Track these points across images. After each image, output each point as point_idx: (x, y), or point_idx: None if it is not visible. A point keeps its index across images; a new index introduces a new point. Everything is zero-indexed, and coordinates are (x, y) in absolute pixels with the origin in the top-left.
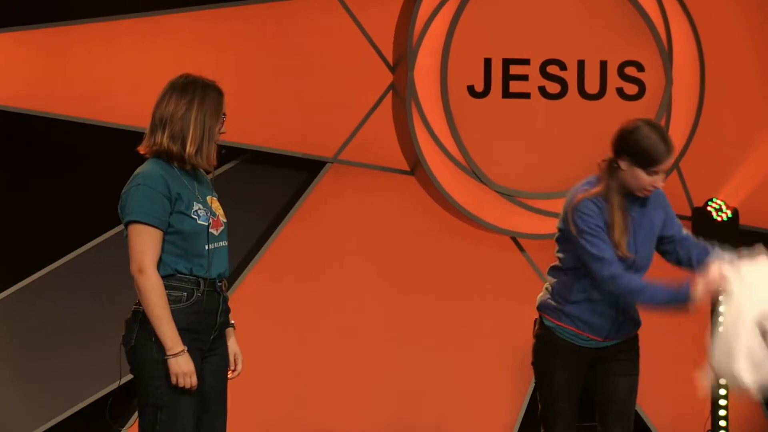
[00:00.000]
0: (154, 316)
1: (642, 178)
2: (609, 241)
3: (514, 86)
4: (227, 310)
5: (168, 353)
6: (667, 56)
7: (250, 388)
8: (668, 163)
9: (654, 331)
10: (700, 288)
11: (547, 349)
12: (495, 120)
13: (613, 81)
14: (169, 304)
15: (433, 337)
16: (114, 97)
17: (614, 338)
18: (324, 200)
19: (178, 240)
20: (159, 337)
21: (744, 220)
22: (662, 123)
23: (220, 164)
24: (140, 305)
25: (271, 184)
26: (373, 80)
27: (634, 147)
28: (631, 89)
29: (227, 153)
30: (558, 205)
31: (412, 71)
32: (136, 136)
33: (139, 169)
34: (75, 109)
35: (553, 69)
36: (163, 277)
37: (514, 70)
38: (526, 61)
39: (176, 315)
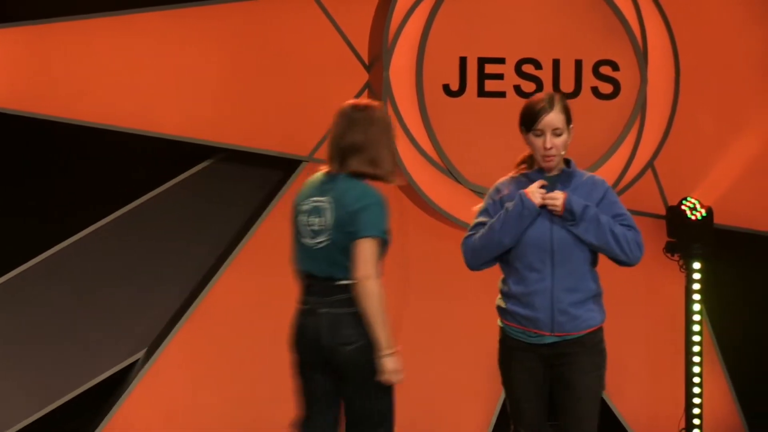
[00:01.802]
0: (379, 317)
1: (534, 142)
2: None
3: (490, 85)
4: None
5: (387, 352)
6: (642, 55)
7: (226, 387)
8: (548, 118)
9: (628, 331)
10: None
11: (504, 350)
12: (470, 119)
13: (588, 80)
14: None
15: (409, 336)
16: (90, 96)
17: (562, 332)
18: None
19: None
20: (378, 336)
21: (718, 219)
22: (637, 122)
23: (195, 163)
24: (352, 307)
25: (246, 183)
26: (348, 79)
27: (521, 116)
28: (606, 88)
29: (202, 151)
30: None
31: (388, 70)
32: (113, 135)
33: (367, 188)
34: (51, 107)
35: (528, 68)
36: None
37: (490, 69)
38: (501, 60)
39: None
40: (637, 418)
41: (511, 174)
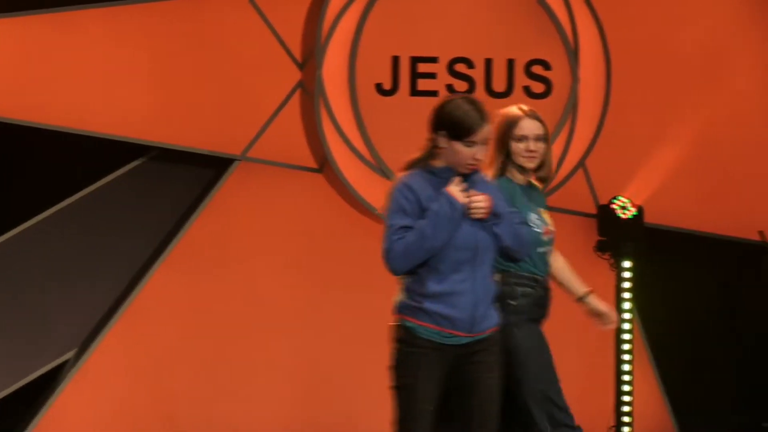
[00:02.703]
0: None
1: (461, 151)
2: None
3: (422, 84)
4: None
5: None
6: (573, 55)
7: (159, 385)
8: (484, 132)
9: (559, 329)
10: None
11: (408, 350)
12: (403, 118)
13: (520, 79)
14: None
15: (343, 333)
16: (22, 95)
17: (477, 332)
18: (231, 198)
19: None
20: None
21: (649, 218)
22: (568, 121)
23: (126, 162)
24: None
25: (179, 182)
26: (281, 77)
27: (448, 120)
28: (538, 87)
29: (134, 150)
30: None
31: (321, 69)
32: (46, 134)
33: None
34: None
35: (460, 67)
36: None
37: (422, 68)
38: (434, 59)
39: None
40: None
41: (409, 171)
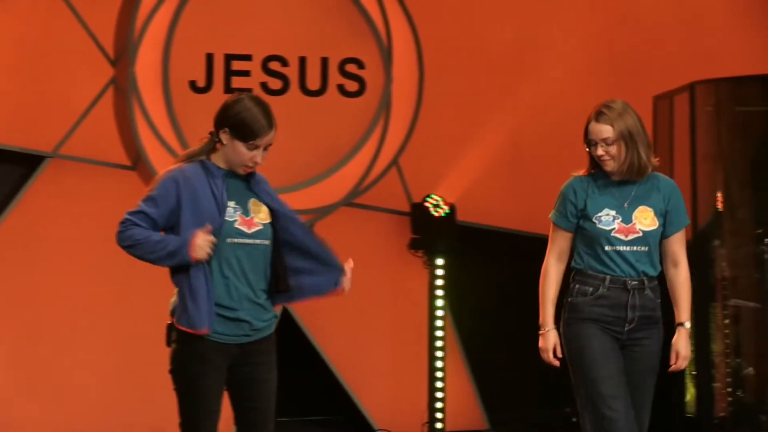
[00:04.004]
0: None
1: (242, 152)
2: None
3: (236, 82)
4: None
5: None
6: (386, 54)
7: None
8: (268, 137)
9: (372, 327)
10: (199, 242)
11: (188, 352)
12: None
13: (334, 78)
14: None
15: (155, 333)
16: None
17: (259, 328)
18: (43, 195)
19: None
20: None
21: (461, 216)
22: (382, 120)
23: None
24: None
25: None
26: (93, 74)
27: (234, 119)
28: (352, 86)
29: None
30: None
31: (134, 66)
32: None
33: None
34: None
35: (275, 65)
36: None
37: (236, 65)
38: (248, 57)
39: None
40: (382, 413)
41: (182, 163)
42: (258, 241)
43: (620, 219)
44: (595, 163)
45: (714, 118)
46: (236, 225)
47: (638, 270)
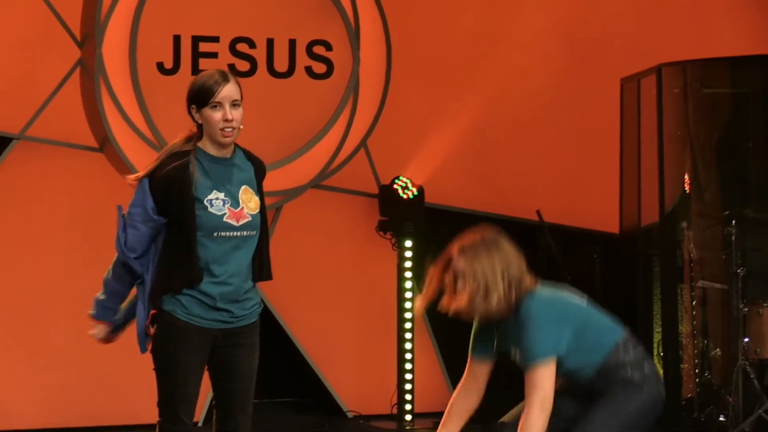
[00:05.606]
0: None
1: (211, 116)
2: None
3: (204, 64)
4: None
5: None
6: (354, 36)
7: None
8: (226, 90)
9: (341, 309)
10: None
11: (168, 333)
12: (184, 97)
13: (302, 60)
14: None
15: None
16: None
17: (241, 316)
18: (10, 178)
19: None
20: None
21: (429, 198)
22: (350, 102)
23: None
24: None
25: None
26: (60, 56)
27: (193, 92)
28: (320, 68)
29: None
30: None
31: (101, 47)
32: None
33: None
34: None
35: (242, 47)
36: None
37: (204, 47)
38: (215, 39)
39: None
40: (351, 395)
41: (170, 152)
42: (246, 233)
43: None
44: None
45: (681, 100)
46: (225, 219)
47: None
